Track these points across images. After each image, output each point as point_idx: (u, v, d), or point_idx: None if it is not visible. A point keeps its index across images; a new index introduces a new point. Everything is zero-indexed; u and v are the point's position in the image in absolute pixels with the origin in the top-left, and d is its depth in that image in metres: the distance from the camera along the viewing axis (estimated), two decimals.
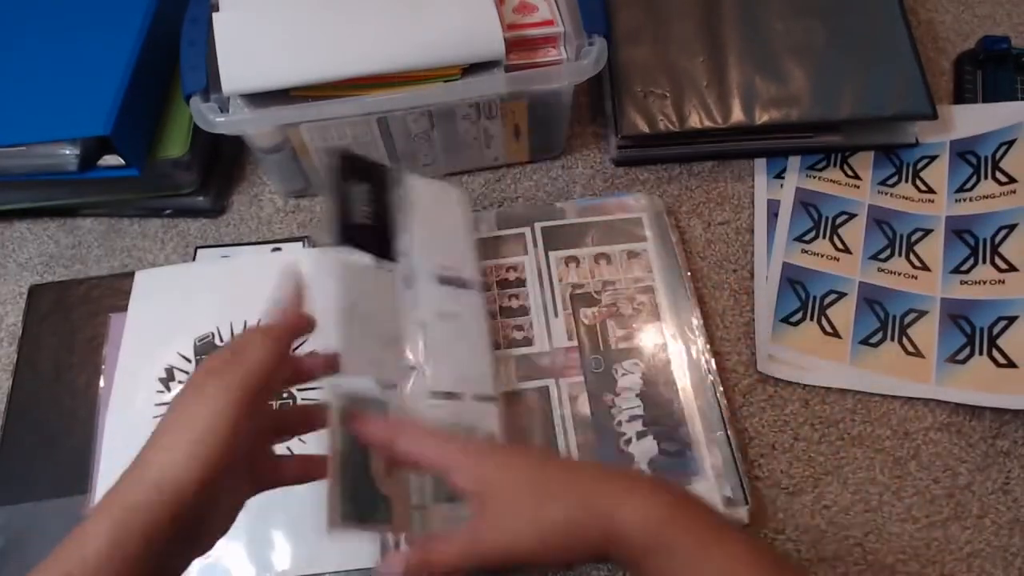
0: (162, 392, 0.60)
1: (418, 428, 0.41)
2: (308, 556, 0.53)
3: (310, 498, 0.38)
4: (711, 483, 0.54)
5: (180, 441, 0.34)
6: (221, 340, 0.62)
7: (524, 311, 0.62)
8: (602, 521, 0.36)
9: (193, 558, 0.35)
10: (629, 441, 0.56)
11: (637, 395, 0.58)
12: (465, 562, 0.37)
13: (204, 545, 0.36)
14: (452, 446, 0.39)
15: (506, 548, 0.36)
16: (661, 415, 0.57)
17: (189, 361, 0.61)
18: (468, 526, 0.37)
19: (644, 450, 0.56)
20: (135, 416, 0.59)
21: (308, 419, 0.42)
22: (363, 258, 0.51)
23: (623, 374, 0.59)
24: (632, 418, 0.57)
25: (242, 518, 0.38)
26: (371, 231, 0.54)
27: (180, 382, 0.60)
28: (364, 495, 0.40)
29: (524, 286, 0.64)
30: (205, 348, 0.61)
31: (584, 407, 0.58)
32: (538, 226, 0.66)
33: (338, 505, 0.37)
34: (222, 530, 0.37)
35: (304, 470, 0.42)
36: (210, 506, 0.35)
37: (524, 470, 0.38)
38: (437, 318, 0.56)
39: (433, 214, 0.61)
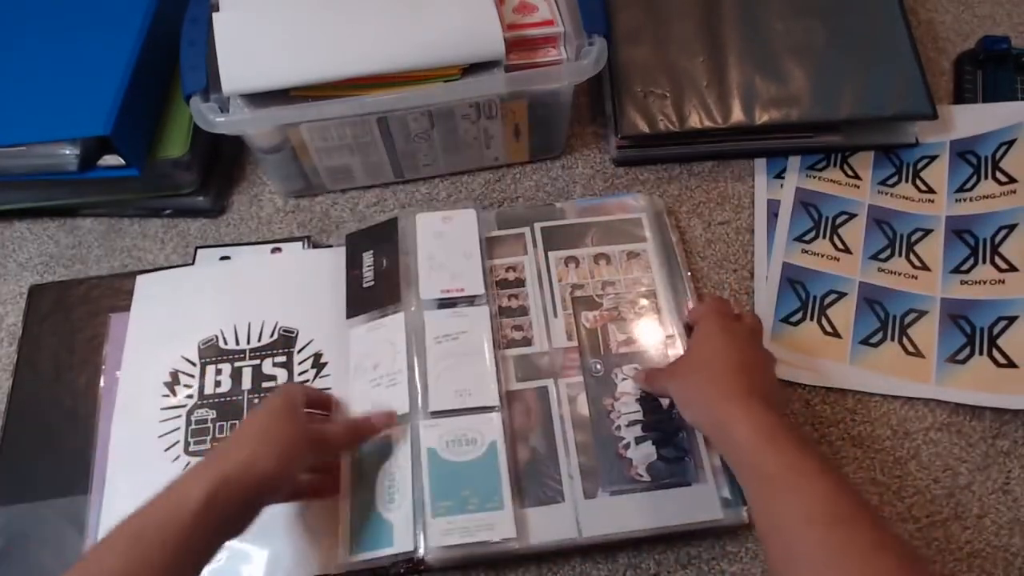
0: (167, 396, 0.60)
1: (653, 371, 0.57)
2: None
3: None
4: (710, 484, 0.54)
5: (270, 452, 0.46)
6: (225, 342, 0.62)
7: (523, 311, 0.62)
8: (726, 427, 0.47)
9: (227, 541, 0.44)
10: (628, 446, 0.56)
11: (637, 400, 0.58)
12: (662, 382, 0.55)
13: (241, 530, 0.45)
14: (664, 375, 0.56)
15: (677, 389, 0.53)
16: (660, 420, 0.57)
17: (194, 364, 0.61)
18: (670, 367, 0.56)
19: (643, 455, 0.56)
20: (141, 420, 0.59)
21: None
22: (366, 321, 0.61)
23: (623, 379, 0.59)
24: (631, 423, 0.57)
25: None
26: (376, 290, 0.63)
27: (186, 385, 0.60)
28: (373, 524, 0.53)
29: (524, 286, 0.64)
30: (209, 351, 0.61)
31: (583, 408, 0.58)
32: (538, 226, 0.66)
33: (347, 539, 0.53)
34: (243, 532, 0.45)
35: (315, 491, 0.55)
36: (263, 501, 0.46)
37: (707, 358, 0.53)
38: (434, 342, 0.59)
39: (440, 243, 0.64)
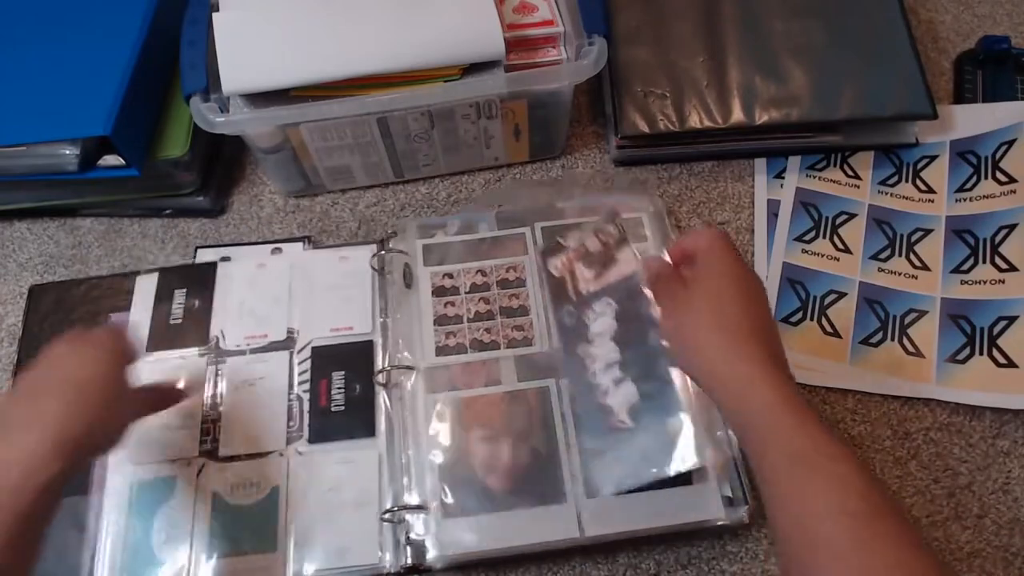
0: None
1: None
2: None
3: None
4: (712, 483, 0.54)
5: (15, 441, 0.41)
6: (225, 343, 0.62)
7: (524, 311, 0.62)
8: (738, 392, 0.43)
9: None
10: (607, 392, 0.55)
11: (611, 339, 0.57)
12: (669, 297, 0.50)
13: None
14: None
15: (677, 324, 0.48)
16: (637, 355, 0.55)
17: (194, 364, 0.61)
18: (666, 305, 0.50)
19: (623, 399, 0.55)
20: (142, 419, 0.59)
21: (164, 398, 0.54)
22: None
23: (595, 318, 0.58)
24: (608, 365, 0.56)
25: None
26: (183, 328, 0.63)
27: (187, 385, 0.60)
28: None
29: (524, 286, 0.64)
30: (208, 351, 0.61)
31: (584, 407, 0.58)
32: (538, 226, 0.66)
33: None
34: (108, 449, 0.46)
35: (159, 400, 0.53)
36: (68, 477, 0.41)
37: (723, 302, 0.46)
38: (232, 388, 0.60)
39: (252, 289, 0.64)
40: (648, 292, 0.53)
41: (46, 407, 0.42)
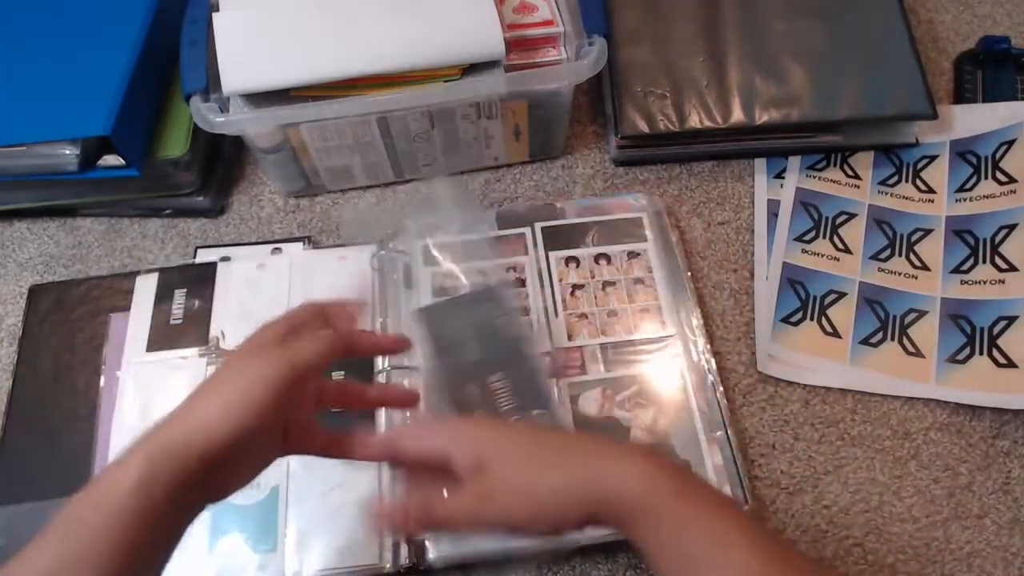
0: (167, 396, 0.60)
1: (409, 427, 0.43)
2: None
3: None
4: (711, 483, 0.54)
5: (215, 404, 0.37)
6: (225, 343, 0.62)
7: (524, 312, 0.62)
8: (596, 485, 0.37)
9: (210, 503, 0.38)
10: None
11: (638, 400, 0.58)
12: (464, 525, 0.39)
13: (222, 494, 0.38)
14: (446, 428, 0.42)
15: (502, 517, 0.38)
16: (661, 420, 0.57)
17: (195, 364, 0.61)
18: (467, 493, 0.38)
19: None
20: (141, 420, 0.59)
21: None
22: None
23: (624, 378, 0.59)
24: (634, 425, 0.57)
25: None
26: (182, 328, 0.62)
27: (187, 385, 0.60)
28: None
29: (524, 286, 0.64)
30: (209, 351, 0.61)
31: (586, 407, 0.58)
32: (538, 226, 0.66)
33: None
34: (242, 484, 0.39)
35: (330, 445, 0.44)
36: (236, 462, 0.37)
37: (518, 442, 0.39)
38: None
39: (252, 291, 0.63)
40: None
41: (193, 401, 0.38)
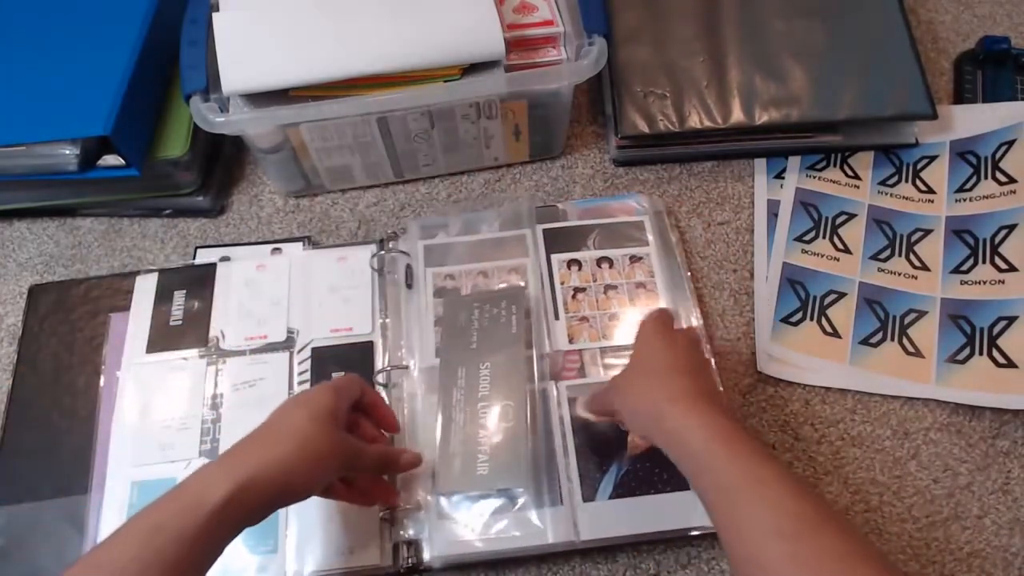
0: (167, 396, 0.60)
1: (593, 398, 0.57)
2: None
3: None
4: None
5: (299, 455, 0.44)
6: (225, 343, 0.62)
7: (527, 315, 0.62)
8: (669, 423, 0.45)
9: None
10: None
11: None
12: (604, 399, 0.54)
13: (256, 523, 0.43)
14: (611, 393, 0.53)
15: (619, 399, 0.51)
16: None
17: (194, 364, 0.61)
18: (604, 394, 0.54)
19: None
20: (141, 420, 0.59)
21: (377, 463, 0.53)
22: None
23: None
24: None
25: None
26: (182, 329, 0.63)
27: (187, 385, 0.60)
28: None
29: (526, 288, 0.63)
30: (209, 352, 0.61)
31: (583, 410, 0.58)
32: (539, 228, 0.66)
33: None
34: (259, 522, 0.44)
35: (362, 497, 0.52)
36: (284, 504, 0.46)
37: (630, 374, 0.52)
38: (232, 389, 0.60)
39: (251, 291, 0.64)
40: None
41: (245, 446, 0.45)
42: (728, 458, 0.42)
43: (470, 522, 0.53)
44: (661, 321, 0.53)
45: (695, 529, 0.53)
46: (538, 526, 0.53)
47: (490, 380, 0.57)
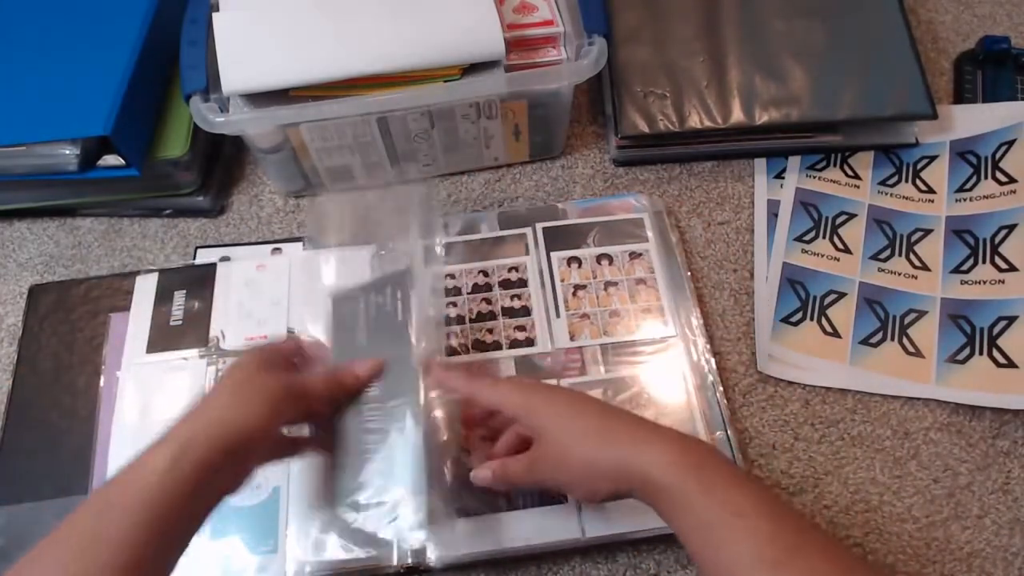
0: (167, 396, 0.60)
1: (485, 382, 0.51)
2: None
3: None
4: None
5: (233, 405, 0.44)
6: (225, 344, 0.62)
7: (526, 311, 0.62)
8: (624, 464, 0.42)
9: (226, 495, 0.44)
10: None
11: (638, 401, 0.58)
12: (525, 481, 0.48)
13: (235, 484, 0.44)
14: (518, 390, 0.49)
15: (553, 477, 0.46)
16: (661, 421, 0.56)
17: (195, 364, 0.61)
18: (525, 458, 0.47)
19: None
20: (141, 420, 0.59)
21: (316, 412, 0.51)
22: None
23: (625, 379, 0.59)
24: None
25: None
26: (183, 330, 0.62)
27: (187, 385, 0.60)
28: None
29: (526, 286, 0.64)
30: (209, 352, 0.61)
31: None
32: (539, 227, 0.66)
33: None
34: (249, 476, 0.45)
35: (303, 447, 0.52)
36: (245, 455, 0.44)
37: (564, 414, 0.46)
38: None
39: (250, 291, 0.64)
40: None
41: (211, 400, 0.45)
42: (702, 491, 0.40)
43: (471, 522, 0.53)
44: (528, 386, 0.50)
45: None
46: (541, 524, 0.53)
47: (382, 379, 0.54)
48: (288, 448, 0.51)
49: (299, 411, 0.48)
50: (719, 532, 0.39)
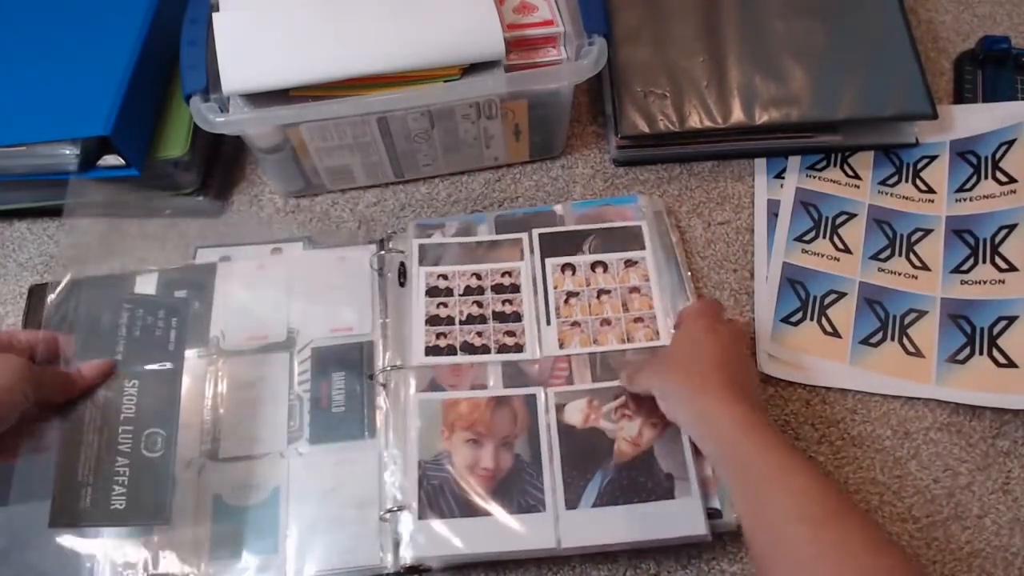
0: None
1: (632, 371, 0.57)
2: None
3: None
4: (695, 497, 0.53)
5: None
6: (225, 343, 0.62)
7: (517, 317, 0.62)
8: (711, 417, 0.48)
9: None
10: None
11: (624, 412, 0.57)
12: (642, 382, 0.55)
13: None
14: (649, 371, 0.55)
15: (660, 385, 0.53)
16: (646, 432, 0.56)
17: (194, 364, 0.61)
18: (645, 373, 0.55)
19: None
20: None
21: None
22: None
23: (612, 389, 0.58)
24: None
25: None
26: None
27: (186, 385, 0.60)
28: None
29: (519, 292, 0.63)
30: (209, 352, 0.61)
31: (570, 417, 0.57)
32: (535, 232, 0.66)
33: None
34: None
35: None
36: None
37: (667, 365, 0.54)
38: (232, 388, 0.60)
39: (251, 291, 0.64)
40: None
41: None
42: (755, 447, 0.44)
43: (448, 524, 0.53)
44: (705, 314, 0.55)
45: (675, 540, 0.53)
46: (517, 531, 0.52)
47: (136, 401, 0.53)
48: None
49: (28, 395, 0.48)
50: (764, 484, 0.43)
